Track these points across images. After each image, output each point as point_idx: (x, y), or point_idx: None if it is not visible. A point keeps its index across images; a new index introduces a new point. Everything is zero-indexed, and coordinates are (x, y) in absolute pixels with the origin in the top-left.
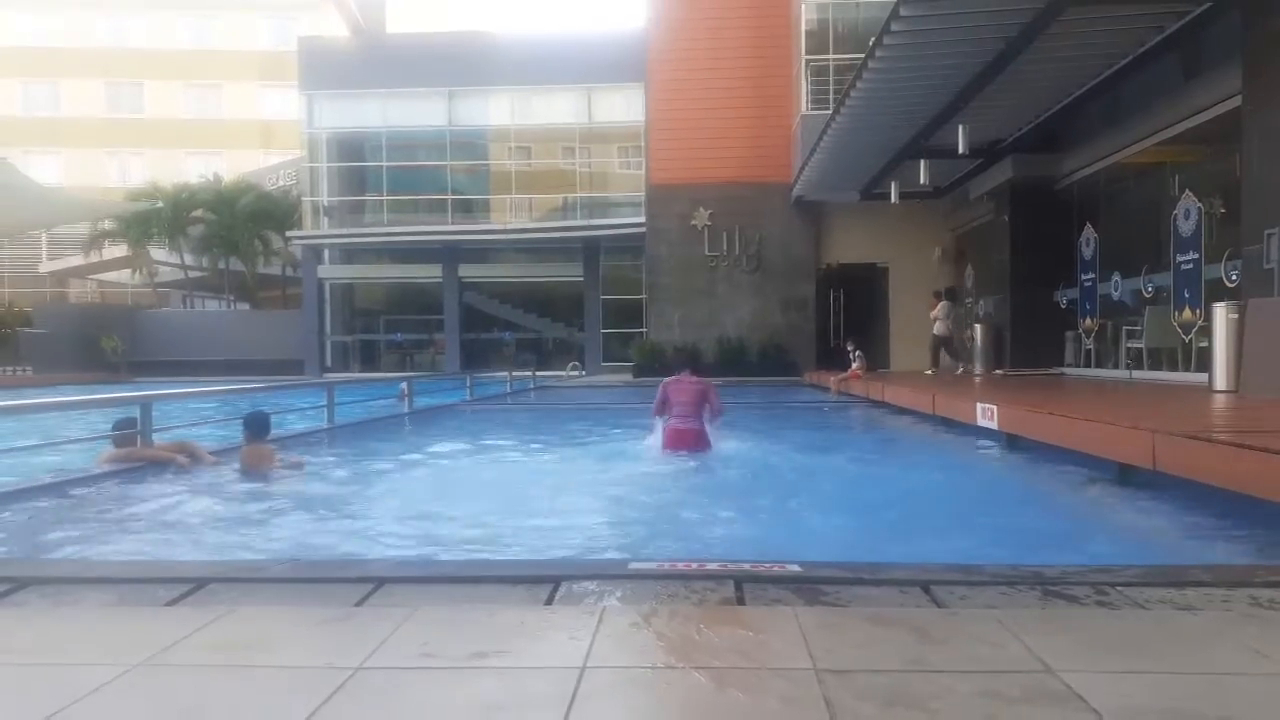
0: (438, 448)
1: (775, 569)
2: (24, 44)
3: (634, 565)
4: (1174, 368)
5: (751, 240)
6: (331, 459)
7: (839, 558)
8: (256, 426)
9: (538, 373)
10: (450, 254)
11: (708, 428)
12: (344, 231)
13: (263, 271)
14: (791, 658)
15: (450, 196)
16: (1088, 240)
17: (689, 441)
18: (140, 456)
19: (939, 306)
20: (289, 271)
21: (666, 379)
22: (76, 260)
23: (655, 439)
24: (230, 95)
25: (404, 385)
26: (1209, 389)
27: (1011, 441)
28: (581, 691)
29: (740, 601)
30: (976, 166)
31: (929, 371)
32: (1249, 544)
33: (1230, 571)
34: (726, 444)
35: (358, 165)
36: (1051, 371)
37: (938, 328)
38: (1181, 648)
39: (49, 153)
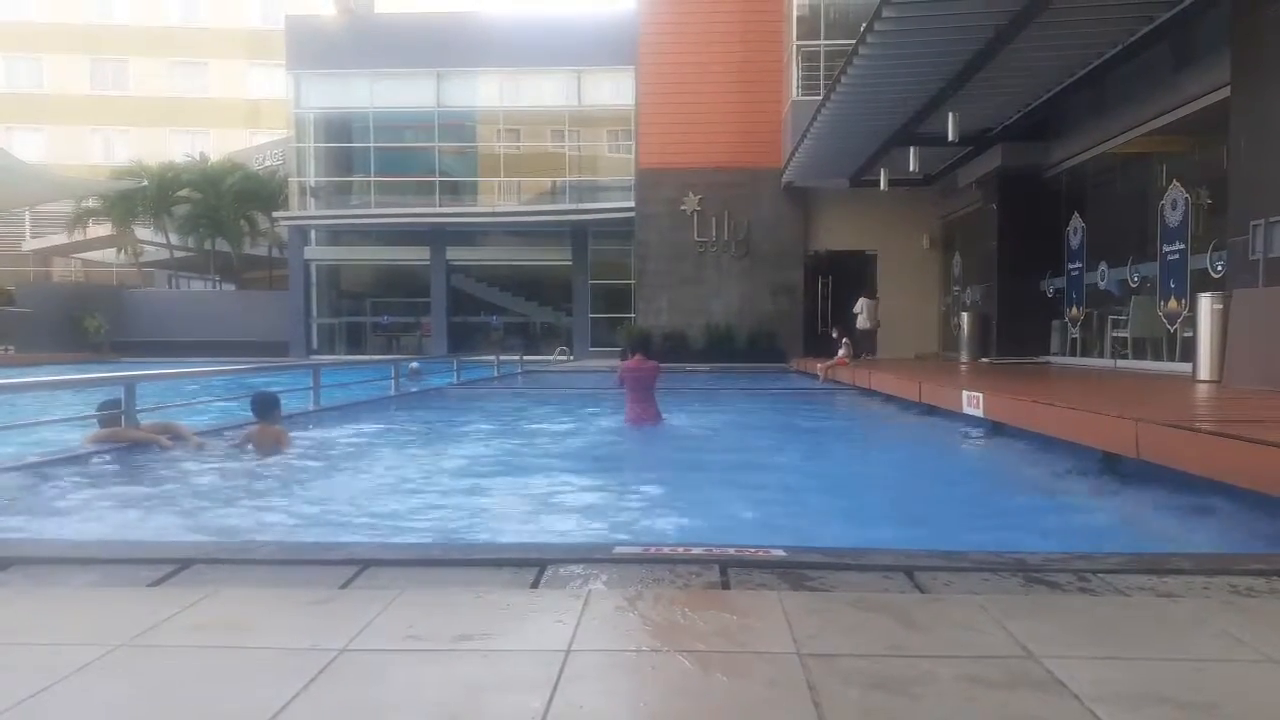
0: (425, 430)
1: (760, 553)
2: (7, 18)
3: (619, 549)
4: (1159, 357)
5: (741, 226)
6: (319, 440)
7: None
8: (266, 406)
9: (525, 357)
10: (438, 236)
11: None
12: (331, 212)
13: (248, 252)
14: (775, 642)
15: (438, 178)
16: (1075, 229)
17: (646, 418)
18: (124, 437)
19: (858, 303)
20: (275, 252)
21: (624, 361)
22: (60, 239)
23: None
24: (217, 73)
25: (415, 364)
26: (1193, 379)
27: (997, 429)
28: (566, 674)
29: (725, 586)
30: (966, 154)
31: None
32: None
33: (1211, 560)
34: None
35: (345, 146)
36: (1037, 360)
37: (859, 321)
38: (1162, 635)
39: (32, 129)
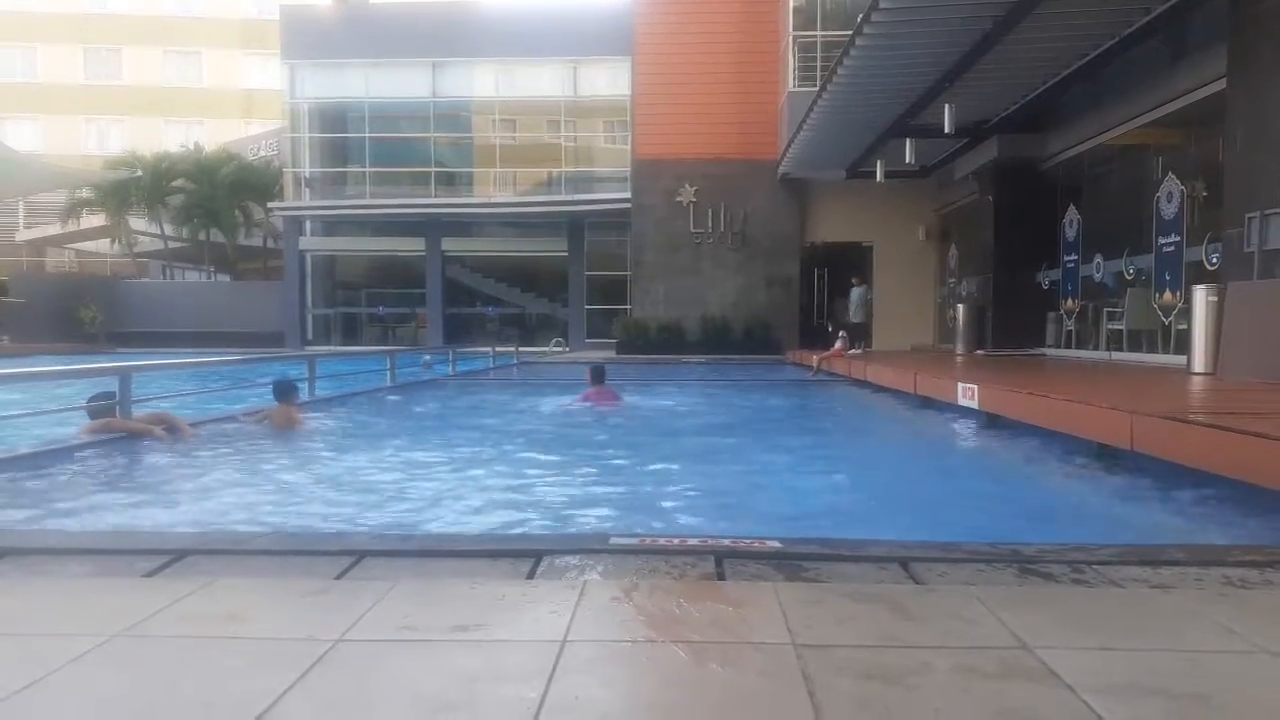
0: (421, 419)
1: (755, 545)
2: (0, 8)
3: (615, 540)
4: (1154, 350)
5: (737, 217)
6: (315, 430)
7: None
8: (284, 390)
9: (521, 348)
10: (433, 227)
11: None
12: (326, 203)
13: (243, 243)
14: (770, 632)
15: (434, 169)
16: (1071, 221)
17: (608, 399)
18: (117, 428)
19: (853, 293)
20: (270, 243)
21: (588, 389)
22: (54, 229)
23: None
24: (211, 63)
25: (427, 356)
26: (1187, 371)
27: (991, 421)
28: (562, 664)
29: (720, 577)
30: (962, 146)
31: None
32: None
33: (1204, 551)
34: None
35: (340, 136)
36: (1033, 352)
37: (853, 313)
38: (1155, 625)
39: (26, 119)
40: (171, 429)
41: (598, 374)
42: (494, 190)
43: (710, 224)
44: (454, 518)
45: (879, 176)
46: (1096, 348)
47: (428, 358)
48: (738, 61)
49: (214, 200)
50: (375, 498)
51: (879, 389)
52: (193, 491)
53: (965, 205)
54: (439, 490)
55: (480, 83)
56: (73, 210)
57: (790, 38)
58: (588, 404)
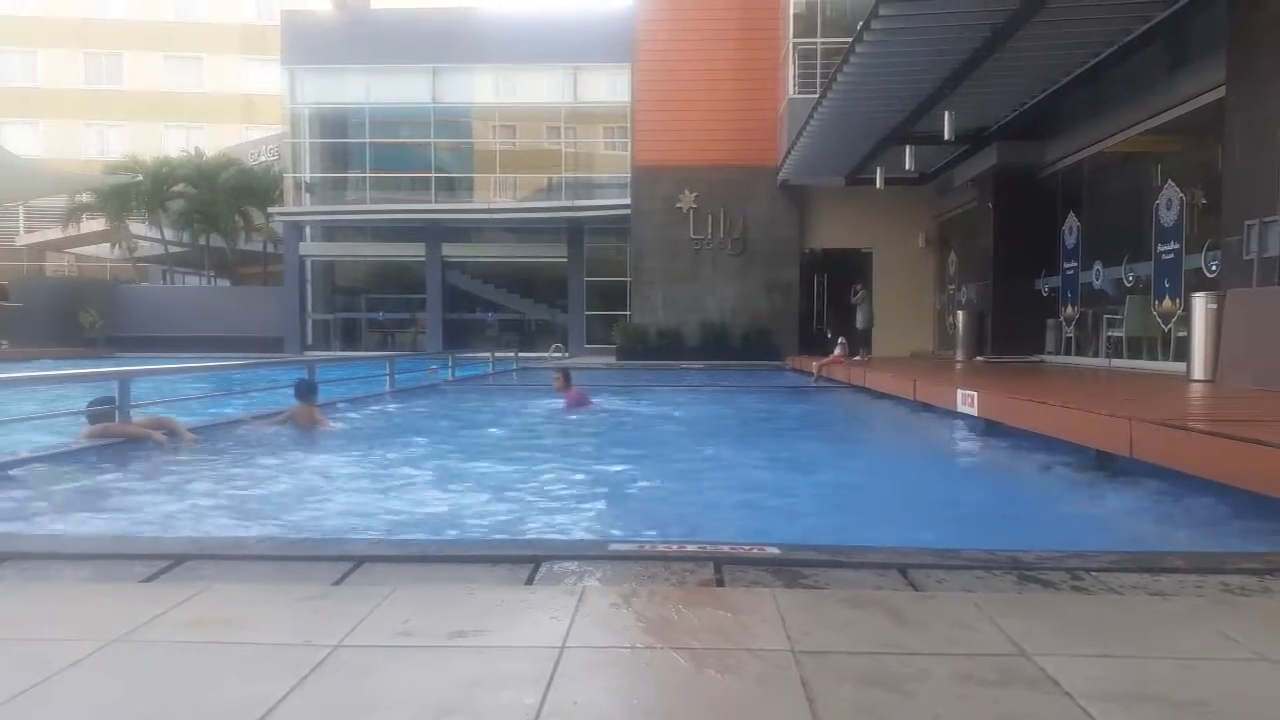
0: (418, 424)
1: (754, 551)
2: (1, 12)
3: (614, 546)
4: (1153, 357)
5: (736, 223)
6: (321, 435)
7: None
8: (306, 391)
9: (520, 354)
10: (433, 233)
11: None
12: (326, 208)
13: (243, 248)
14: (769, 639)
15: (434, 175)
16: (1070, 228)
17: (580, 402)
18: (116, 433)
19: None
20: (270, 248)
21: (568, 390)
22: (54, 233)
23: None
24: (211, 68)
25: (434, 365)
26: (1187, 378)
27: (990, 427)
28: (560, 670)
29: (719, 583)
30: (962, 153)
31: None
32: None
33: (1203, 559)
34: None
35: (341, 141)
36: (1032, 359)
37: (858, 321)
38: (1154, 633)
39: (26, 123)
40: (172, 434)
41: (567, 377)
42: (494, 196)
43: (710, 230)
44: (450, 521)
45: (879, 183)
46: (1096, 355)
47: (434, 366)
48: (738, 68)
49: (214, 205)
50: (368, 502)
51: (879, 395)
52: (194, 496)
53: (965, 212)
54: (433, 495)
55: (480, 88)
56: (73, 215)
57: (790, 45)
58: (571, 407)
